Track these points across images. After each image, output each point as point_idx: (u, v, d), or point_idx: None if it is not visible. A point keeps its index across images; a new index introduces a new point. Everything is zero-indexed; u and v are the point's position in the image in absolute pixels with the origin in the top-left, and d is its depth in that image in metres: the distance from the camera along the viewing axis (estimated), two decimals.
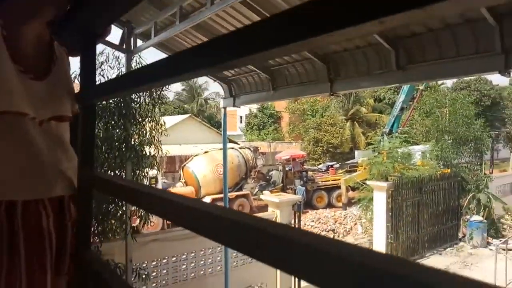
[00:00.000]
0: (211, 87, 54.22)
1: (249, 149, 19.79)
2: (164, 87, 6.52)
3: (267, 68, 6.74)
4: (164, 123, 6.74)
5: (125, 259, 5.90)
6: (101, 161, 5.84)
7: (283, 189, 18.77)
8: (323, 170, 21.94)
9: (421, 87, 21.54)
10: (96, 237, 5.69)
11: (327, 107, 32.87)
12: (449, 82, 34.48)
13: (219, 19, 5.73)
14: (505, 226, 14.26)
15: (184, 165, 17.80)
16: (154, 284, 7.60)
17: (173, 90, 48.40)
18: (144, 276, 6.06)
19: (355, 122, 31.49)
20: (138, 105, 6.22)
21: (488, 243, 13.03)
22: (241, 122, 43.13)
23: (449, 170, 14.52)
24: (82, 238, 1.10)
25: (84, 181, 1.07)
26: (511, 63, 3.75)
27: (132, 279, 6.03)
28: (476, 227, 13.25)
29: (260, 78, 7.12)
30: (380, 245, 11.87)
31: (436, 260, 12.14)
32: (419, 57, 4.52)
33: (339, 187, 18.78)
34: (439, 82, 30.05)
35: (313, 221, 15.52)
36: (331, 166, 21.99)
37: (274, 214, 9.42)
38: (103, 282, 0.91)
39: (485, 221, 13.45)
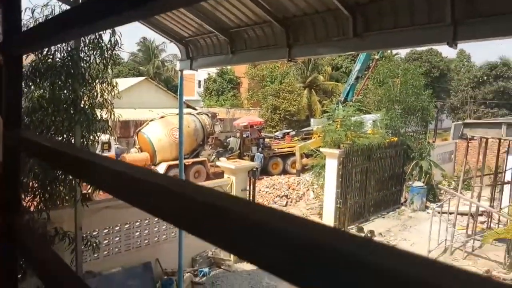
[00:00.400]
0: (168, 48, 52.17)
1: (207, 115, 19.54)
2: (117, 47, 6.12)
3: (226, 30, 6.53)
4: (117, 84, 6.38)
5: (74, 226, 5.72)
6: (48, 124, 5.49)
7: (240, 156, 18.88)
8: (280, 137, 22.26)
9: (376, 57, 22.08)
10: (42, 204, 5.43)
11: (286, 74, 32.92)
12: (403, 53, 35.72)
13: None
14: (442, 191, 15.45)
15: (139, 130, 17.27)
16: (106, 252, 7.49)
17: (128, 50, 45.85)
18: (94, 245, 5.92)
19: (312, 90, 31.90)
20: (88, 64, 5.84)
21: (426, 207, 14.12)
22: (199, 87, 42.18)
23: (396, 139, 15.28)
24: (9, 204, 1.01)
25: (9, 144, 0.97)
26: (459, 35, 3.88)
27: (82, 247, 5.87)
28: (417, 192, 14.26)
29: (219, 40, 6.90)
30: (329, 210, 12.47)
31: (379, 223, 13.01)
32: (376, 25, 4.56)
33: (294, 154, 19.22)
34: (394, 52, 31.01)
35: (268, 187, 15.88)
36: (287, 133, 22.35)
37: (230, 180, 9.51)
38: (27, 251, 0.84)
39: (425, 186, 14.49)
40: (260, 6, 5.36)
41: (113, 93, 6.22)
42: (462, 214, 11.87)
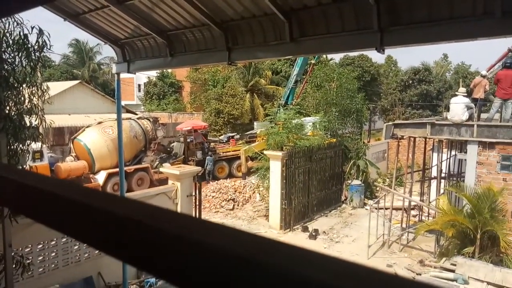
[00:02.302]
0: (104, 51, 49.79)
1: (148, 119, 18.93)
2: (46, 48, 5.73)
3: (164, 32, 6.40)
4: (48, 89, 5.96)
5: (3, 245, 5.22)
6: None
7: (185, 161, 18.56)
8: (224, 141, 22.26)
9: (312, 61, 22.99)
10: None
11: (228, 78, 33.03)
12: (337, 58, 37.56)
13: None
14: (378, 188, 16.44)
15: (75, 137, 16.26)
16: (41, 269, 6.96)
17: (60, 52, 43.08)
18: (27, 264, 5.43)
19: (254, 94, 32.35)
20: (12, 67, 5.39)
21: (365, 204, 14.94)
22: (139, 91, 40.82)
23: (335, 140, 16.00)
24: None
25: None
26: (385, 41, 4.19)
27: (13, 266, 5.38)
28: (356, 190, 15.04)
29: (157, 42, 6.75)
30: (275, 211, 12.71)
31: (322, 222, 13.52)
32: (310, 30, 4.76)
33: (239, 158, 19.32)
34: (329, 57, 32.50)
35: (214, 192, 15.78)
36: (232, 137, 22.43)
37: (175, 186, 9.31)
38: None
39: (363, 184, 15.32)
40: (198, 9, 5.35)
41: (43, 98, 5.81)
42: (396, 209, 12.72)
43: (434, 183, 12.72)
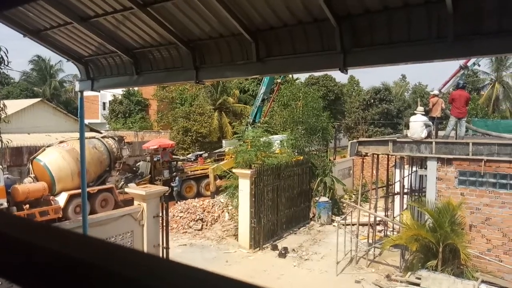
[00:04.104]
0: (67, 68, 48.49)
1: (113, 138, 18.41)
2: (3, 64, 5.51)
3: (129, 50, 6.33)
4: (5, 107, 5.70)
5: None
6: None
7: (151, 181, 18.12)
8: (192, 159, 21.98)
9: (279, 80, 23.46)
10: None
11: (196, 96, 32.94)
12: (302, 77, 38.55)
13: None
14: (344, 205, 16.73)
15: (34, 158, 15.51)
16: None
17: (19, 69, 41.48)
18: None
19: (222, 112, 32.39)
20: None
21: (332, 220, 15.13)
22: (104, 109, 39.82)
23: (302, 157, 16.23)
24: None
25: None
26: (348, 61, 4.36)
27: None
28: (323, 207, 15.22)
29: (122, 60, 6.65)
30: (244, 230, 12.58)
31: (292, 239, 13.52)
32: (276, 50, 4.87)
33: (207, 176, 19.11)
34: (295, 76, 33.29)
35: (182, 212, 15.43)
36: (200, 155, 22.20)
37: (141, 207, 9.02)
38: None
39: (330, 201, 15.55)
40: (165, 28, 5.35)
41: None
42: (363, 224, 12.96)
43: (397, 198, 13.11)
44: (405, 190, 12.76)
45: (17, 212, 13.07)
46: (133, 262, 0.39)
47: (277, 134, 19.20)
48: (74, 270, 0.38)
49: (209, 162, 20.81)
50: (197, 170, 20.13)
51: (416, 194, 12.97)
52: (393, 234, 12.63)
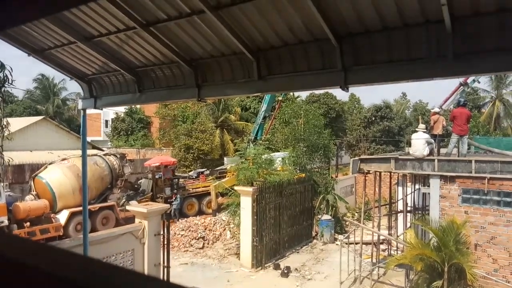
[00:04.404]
0: (70, 86, 49.06)
1: (115, 155, 18.45)
2: (7, 83, 5.57)
3: (132, 69, 6.41)
4: (8, 125, 5.73)
5: None
6: None
7: (153, 198, 18.03)
8: (194, 177, 21.93)
9: (280, 98, 23.60)
10: None
11: (197, 114, 33.14)
12: (303, 95, 38.82)
13: None
14: (347, 223, 16.54)
15: (36, 175, 15.51)
16: None
17: (23, 87, 42.02)
18: None
19: (224, 130, 32.51)
20: None
21: (335, 239, 14.93)
22: (106, 126, 40.04)
23: (304, 175, 16.16)
24: None
25: None
26: (349, 79, 4.39)
27: None
28: (326, 225, 15.05)
29: (125, 78, 6.72)
30: (246, 248, 12.43)
31: (294, 258, 13.32)
32: (277, 69, 4.92)
33: (209, 194, 19.01)
34: (296, 94, 33.53)
35: (183, 230, 15.30)
36: (202, 173, 22.15)
37: (142, 225, 8.94)
38: None
39: (333, 219, 15.39)
40: (167, 47, 5.42)
41: (2, 135, 5.57)
42: (366, 243, 12.79)
43: (401, 216, 12.97)
44: (408, 208, 12.64)
45: (17, 230, 12.98)
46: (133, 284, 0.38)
47: (279, 151, 19.20)
48: None
49: (210, 180, 20.75)
50: (199, 188, 20.05)
51: (420, 212, 12.83)
52: (397, 253, 12.44)
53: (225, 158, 26.99)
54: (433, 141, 11.28)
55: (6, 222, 12.78)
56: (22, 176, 19.30)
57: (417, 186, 12.65)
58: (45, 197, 14.73)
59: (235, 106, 34.65)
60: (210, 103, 32.24)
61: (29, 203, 14.17)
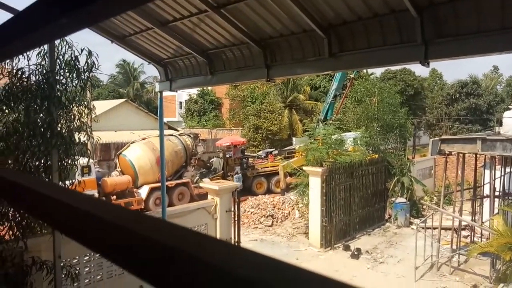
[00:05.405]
0: (148, 70, 52.24)
1: (189, 135, 19.39)
2: (94, 68, 6.05)
3: (204, 52, 6.59)
4: (94, 108, 6.26)
5: (53, 255, 5.46)
6: (23, 148, 5.34)
7: (224, 177, 18.73)
8: (263, 156, 22.27)
9: (351, 76, 22.59)
10: (19, 232, 5.21)
11: (266, 94, 33.28)
12: (378, 72, 36.74)
13: None
14: (424, 207, 15.62)
15: (120, 153, 16.96)
16: (87, 280, 7.18)
17: (107, 72, 45.79)
18: (75, 274, 5.65)
19: (293, 110, 32.29)
20: (64, 87, 5.75)
21: (411, 223, 14.22)
22: (180, 108, 42.15)
23: (377, 156, 15.49)
24: None
25: None
26: (430, 54, 4.02)
27: (62, 276, 5.59)
28: (400, 208, 14.37)
29: (198, 61, 6.95)
30: (315, 228, 12.42)
31: (365, 240, 13.01)
32: (350, 45, 4.69)
33: (277, 173, 19.20)
34: (369, 71, 31.86)
35: (253, 207, 15.74)
36: (270, 152, 22.39)
37: (214, 201, 9.38)
38: None
39: (408, 202, 14.63)
40: (237, 28, 5.45)
41: (90, 116, 6.11)
42: (445, 229, 12.00)
43: (486, 202, 11.90)
44: (496, 193, 11.51)
45: None
46: (214, 249, 0.42)
47: (350, 131, 18.59)
48: (159, 253, 0.42)
49: (279, 160, 20.90)
50: (267, 167, 20.33)
51: (510, 197, 11.63)
52: (481, 240, 11.49)
53: (293, 138, 26.91)
54: None
55: (96, 195, 14.27)
56: (108, 154, 21.22)
57: (507, 169, 11.44)
58: (128, 173, 16.09)
59: (304, 85, 34.10)
60: (279, 83, 32.13)
61: (115, 179, 15.62)
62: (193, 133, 21.05)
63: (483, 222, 11.67)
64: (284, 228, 14.35)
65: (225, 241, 0.43)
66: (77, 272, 5.83)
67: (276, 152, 22.93)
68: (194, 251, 0.39)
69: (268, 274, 0.33)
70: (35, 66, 5.40)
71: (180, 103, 41.68)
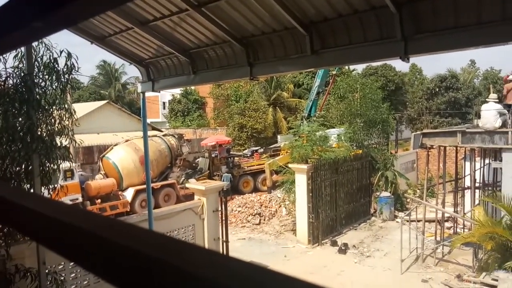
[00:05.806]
0: (129, 71, 51.54)
1: (174, 136, 19.22)
2: (74, 70, 5.93)
3: (186, 51, 6.53)
4: (75, 112, 6.12)
5: (37, 262, 5.33)
6: (2, 154, 5.19)
7: (210, 176, 18.65)
8: (248, 155, 22.24)
9: (334, 72, 22.77)
10: (1, 240, 5.07)
11: (250, 93, 33.24)
12: (359, 68, 37.11)
13: None
14: (408, 200, 15.90)
15: (103, 156, 16.70)
16: (73, 287, 7.05)
17: (88, 74, 44.94)
18: (60, 281, 5.53)
19: (277, 107, 32.35)
20: (43, 90, 5.61)
21: (395, 216, 14.45)
22: (164, 108, 41.73)
23: (361, 151, 15.67)
24: None
25: None
26: (410, 49, 4.08)
27: (48, 283, 5.47)
28: (385, 202, 14.59)
29: (180, 61, 6.88)
30: (302, 225, 12.49)
31: (352, 235, 13.16)
32: (331, 42, 4.72)
33: (264, 172, 19.23)
34: (351, 67, 32.14)
35: (240, 206, 15.74)
36: (256, 151, 22.38)
37: (201, 202, 9.33)
38: None
39: (392, 196, 14.86)
40: (219, 27, 5.42)
41: (71, 120, 5.98)
42: (429, 221, 12.23)
43: (468, 193, 12.18)
44: (477, 185, 11.81)
45: (90, 206, 14.19)
46: (195, 258, 0.41)
47: (334, 127, 18.74)
48: (139, 263, 0.41)
49: (265, 158, 20.92)
50: (253, 166, 20.33)
51: (490, 188, 11.94)
52: (463, 231, 11.77)
53: (278, 136, 26.97)
54: (506, 111, 10.31)
55: (80, 199, 14.02)
56: (91, 157, 20.86)
57: (487, 161, 11.74)
58: (113, 176, 15.85)
59: (288, 83, 34.19)
60: (262, 81, 32.13)
61: (99, 182, 15.37)
62: (178, 133, 20.85)
63: (465, 213, 11.95)
64: (271, 226, 14.39)
65: (207, 248, 0.42)
66: (62, 278, 5.71)
67: (262, 150, 22.93)
68: (175, 260, 0.38)
69: (252, 282, 0.33)
70: (12, 69, 5.27)
71: (164, 103, 41.27)
